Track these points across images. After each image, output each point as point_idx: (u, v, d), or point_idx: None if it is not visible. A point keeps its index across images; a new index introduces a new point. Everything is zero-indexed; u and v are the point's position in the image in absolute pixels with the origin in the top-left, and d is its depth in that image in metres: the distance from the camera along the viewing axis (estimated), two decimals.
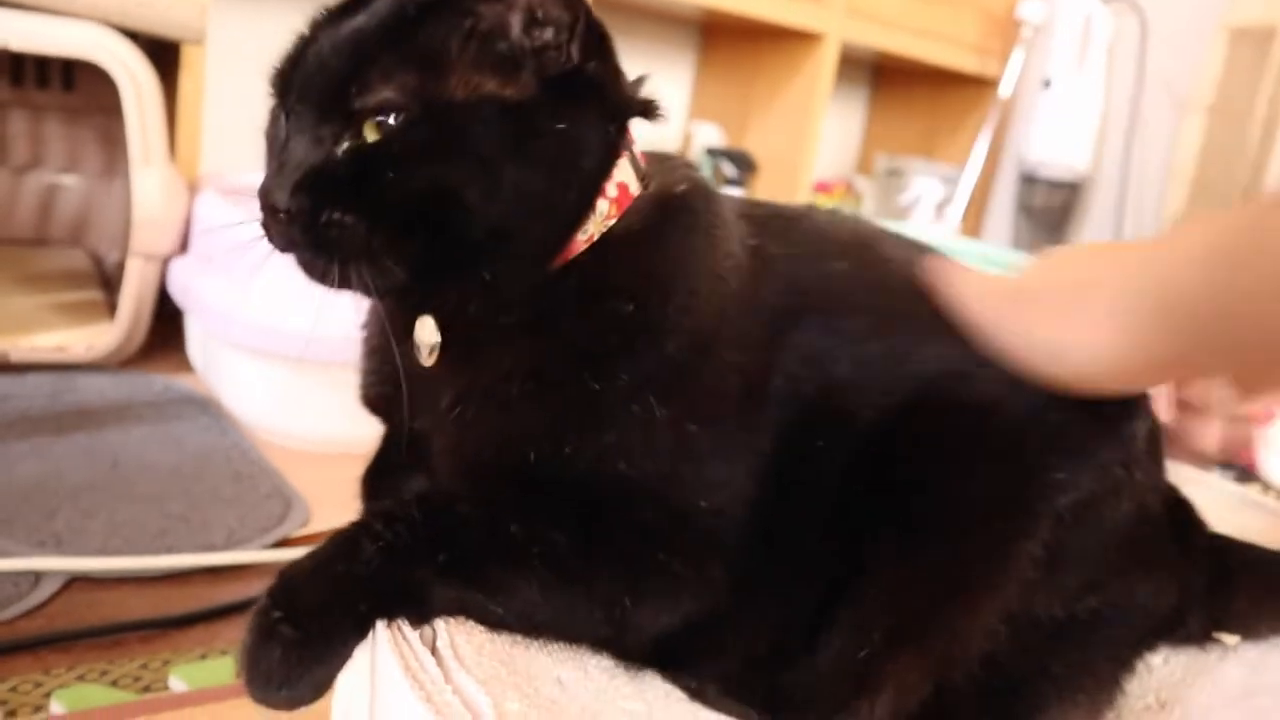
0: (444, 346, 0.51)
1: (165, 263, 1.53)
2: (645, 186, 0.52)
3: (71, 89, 1.82)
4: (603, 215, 0.49)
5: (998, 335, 0.52)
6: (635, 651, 0.51)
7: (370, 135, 0.45)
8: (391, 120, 0.45)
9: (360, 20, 0.47)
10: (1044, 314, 0.51)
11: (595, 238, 0.49)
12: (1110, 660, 0.59)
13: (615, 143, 0.50)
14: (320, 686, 0.45)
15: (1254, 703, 0.62)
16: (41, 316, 1.58)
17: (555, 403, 0.48)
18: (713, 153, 2.51)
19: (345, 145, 0.45)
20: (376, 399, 0.57)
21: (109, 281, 1.74)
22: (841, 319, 0.53)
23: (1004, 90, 2.68)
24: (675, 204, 0.52)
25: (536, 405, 0.48)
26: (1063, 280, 0.53)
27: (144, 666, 0.86)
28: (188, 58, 1.66)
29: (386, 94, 0.45)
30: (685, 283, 0.50)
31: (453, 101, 0.45)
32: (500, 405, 0.49)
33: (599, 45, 0.49)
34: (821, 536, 0.52)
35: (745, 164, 2.49)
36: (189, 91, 1.68)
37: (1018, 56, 2.66)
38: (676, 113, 2.79)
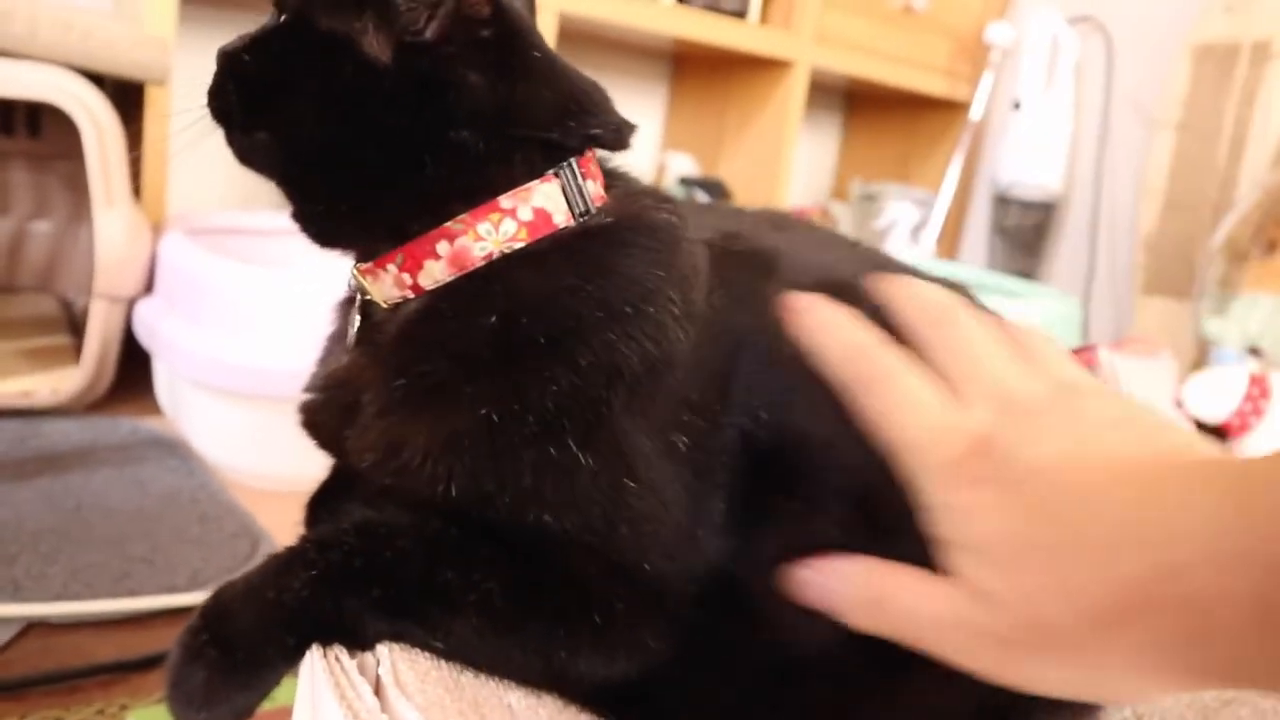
0: (360, 340, 0.52)
1: (131, 304, 1.52)
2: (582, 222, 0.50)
3: (38, 135, 1.81)
4: (506, 235, 0.48)
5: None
6: (581, 698, 0.49)
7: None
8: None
9: None
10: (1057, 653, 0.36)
11: (494, 255, 0.48)
12: None
13: (501, 158, 0.49)
14: (241, 713, 0.44)
15: (1232, 712, 0.61)
16: (7, 363, 1.56)
17: (440, 416, 0.47)
18: (686, 182, 2.51)
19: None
20: (304, 409, 0.56)
21: (77, 326, 1.72)
22: (794, 380, 0.49)
23: (975, 113, 2.70)
24: (584, 238, 0.50)
25: (419, 414, 0.47)
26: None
27: (100, 712, 0.83)
28: (152, 98, 1.65)
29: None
30: (573, 310, 0.47)
31: (318, 26, 0.49)
32: (384, 406, 0.48)
33: (502, 49, 0.49)
34: (787, 602, 0.50)
35: (719, 192, 2.49)
36: (154, 132, 1.67)
37: (987, 79, 2.68)
38: (650, 143, 2.80)
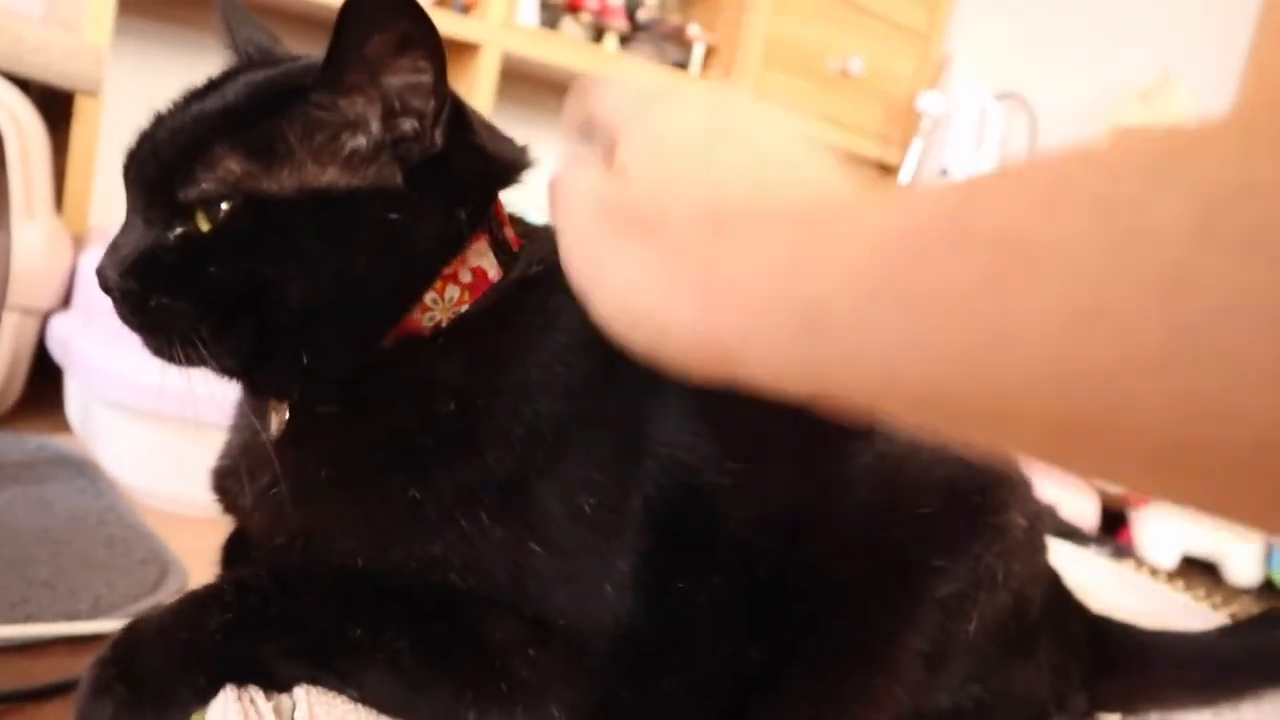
0: (287, 425, 0.50)
1: (45, 318, 1.47)
2: (508, 272, 0.50)
3: None
4: (452, 302, 0.48)
5: (585, 261, 0.37)
6: None
7: (201, 223, 0.45)
8: (223, 208, 0.45)
9: (205, 105, 0.47)
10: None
11: (443, 324, 0.48)
12: None
13: (463, 227, 0.49)
14: None
15: None
16: None
17: (367, 501, 0.47)
18: None
19: (177, 231, 0.46)
20: (216, 473, 0.55)
21: None
22: (704, 438, 0.50)
23: (904, 176, 2.77)
24: (525, 292, 0.50)
25: (346, 500, 0.47)
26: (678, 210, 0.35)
27: None
28: (81, 108, 1.62)
29: (206, 186, 0.45)
30: (516, 383, 0.47)
31: (279, 194, 0.45)
32: (305, 492, 0.48)
33: (459, 127, 0.48)
34: (703, 652, 0.51)
35: None
36: (81, 143, 1.64)
37: (917, 146, 2.76)
38: None
